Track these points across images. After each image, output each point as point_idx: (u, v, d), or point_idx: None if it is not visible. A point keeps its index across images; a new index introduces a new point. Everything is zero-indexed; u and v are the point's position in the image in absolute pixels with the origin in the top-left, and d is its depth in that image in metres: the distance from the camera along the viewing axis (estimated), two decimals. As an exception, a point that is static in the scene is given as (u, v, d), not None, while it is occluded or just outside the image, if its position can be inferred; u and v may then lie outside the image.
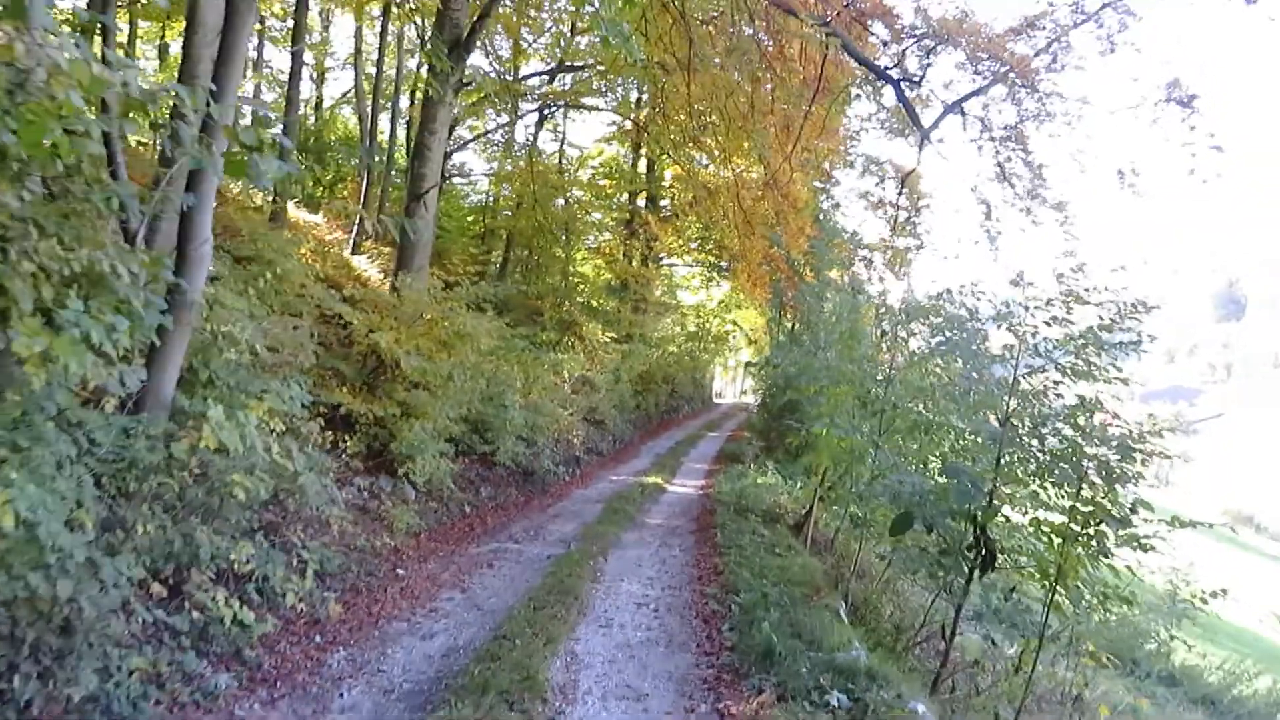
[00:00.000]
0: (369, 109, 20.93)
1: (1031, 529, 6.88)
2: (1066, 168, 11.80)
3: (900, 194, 12.79)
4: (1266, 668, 15.46)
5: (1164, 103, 10.80)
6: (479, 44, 16.03)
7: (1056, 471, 6.72)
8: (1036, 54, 11.13)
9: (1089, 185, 13.49)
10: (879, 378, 9.65)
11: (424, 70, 18.21)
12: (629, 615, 7.26)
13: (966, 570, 6.73)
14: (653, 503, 13.68)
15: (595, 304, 26.55)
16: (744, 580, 7.91)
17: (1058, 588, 6.59)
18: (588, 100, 22.85)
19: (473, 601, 7.43)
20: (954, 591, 6.95)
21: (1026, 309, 7.20)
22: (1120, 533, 6.38)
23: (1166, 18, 11.11)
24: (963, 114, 12.11)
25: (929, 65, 11.78)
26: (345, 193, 23.65)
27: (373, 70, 21.91)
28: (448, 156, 21.04)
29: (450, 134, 20.86)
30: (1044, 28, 11.10)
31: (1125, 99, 11.03)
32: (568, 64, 21.60)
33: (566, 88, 22.20)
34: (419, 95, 20.61)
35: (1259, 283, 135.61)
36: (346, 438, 10.25)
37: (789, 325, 24.63)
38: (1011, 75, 11.14)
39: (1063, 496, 6.86)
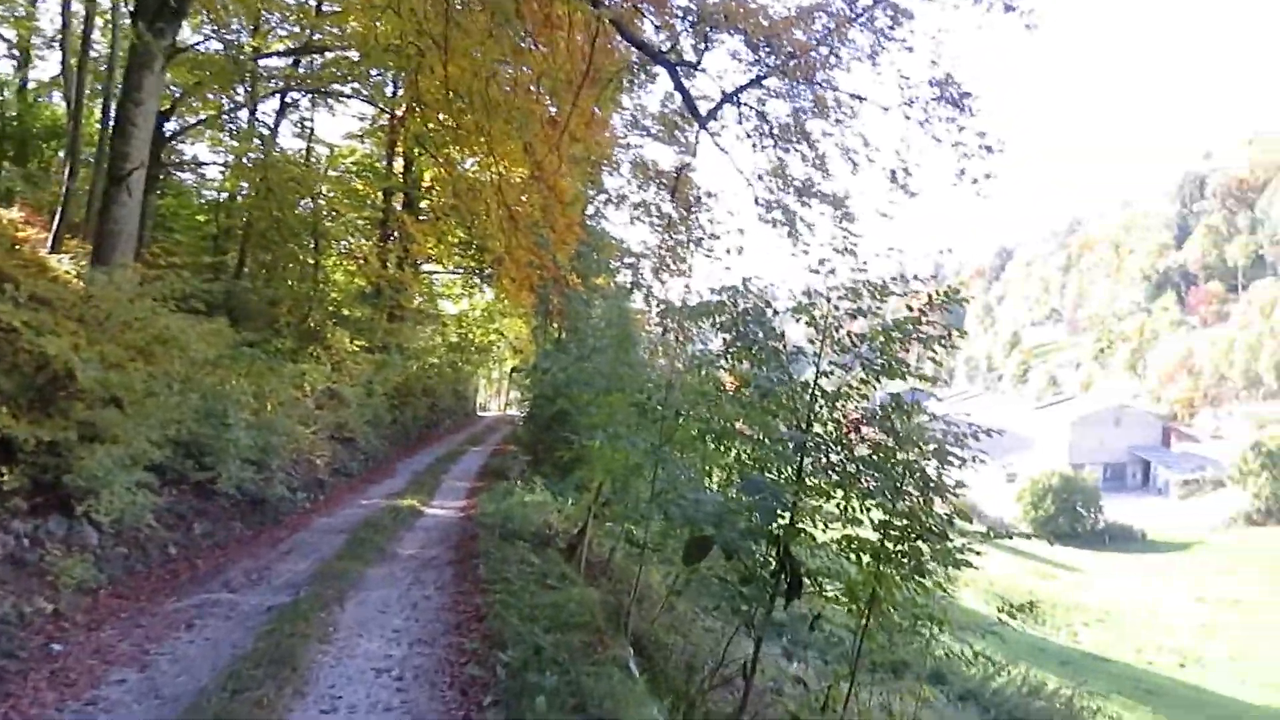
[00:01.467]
0: (74, 90, 17.85)
1: (840, 548, 6.13)
2: (843, 164, 11.74)
3: (675, 189, 12.21)
4: (1017, 656, 15.97)
5: (936, 102, 10.79)
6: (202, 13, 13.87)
7: (866, 481, 6.02)
8: (815, 45, 10.82)
9: (872, 183, 13.44)
10: (658, 383, 8.70)
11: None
12: (363, 691, 5.68)
13: (769, 599, 5.85)
14: (407, 529, 12.07)
15: (346, 311, 24.47)
16: (511, 627, 6.59)
17: (870, 612, 5.86)
18: (338, 88, 20.93)
19: (152, 685, 5.62)
20: (755, 624, 6.03)
21: (829, 299, 6.47)
22: (936, 547, 5.75)
23: (939, 21, 11.02)
24: (738, 105, 11.65)
25: (705, 50, 11.20)
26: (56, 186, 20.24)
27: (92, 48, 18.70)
28: (168, 141, 18.39)
29: (171, 115, 18.24)
30: (820, 19, 10.84)
31: (898, 97, 10.99)
32: (315, 46, 19.55)
33: (315, 70, 20.16)
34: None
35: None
36: (3, 470, 8.03)
37: (556, 333, 23.75)
38: (791, 64, 10.76)
39: (869, 510, 6.20)
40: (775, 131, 11.87)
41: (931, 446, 5.74)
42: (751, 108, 11.91)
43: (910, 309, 6.11)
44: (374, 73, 20.93)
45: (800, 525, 6.06)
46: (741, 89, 11.50)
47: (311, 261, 23.55)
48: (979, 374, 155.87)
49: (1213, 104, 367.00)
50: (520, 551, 9.83)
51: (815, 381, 6.34)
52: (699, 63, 11.43)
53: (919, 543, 5.69)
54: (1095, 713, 14.05)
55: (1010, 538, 5.75)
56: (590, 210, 23.27)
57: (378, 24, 14.66)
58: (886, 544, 5.77)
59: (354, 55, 19.42)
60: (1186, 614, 42.47)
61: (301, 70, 20.76)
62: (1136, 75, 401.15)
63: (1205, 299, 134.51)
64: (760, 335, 7.02)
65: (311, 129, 24.12)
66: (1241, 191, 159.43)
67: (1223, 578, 50.07)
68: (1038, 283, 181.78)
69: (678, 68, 11.30)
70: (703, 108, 13.00)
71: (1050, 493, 58.56)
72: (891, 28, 11.40)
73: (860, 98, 11.27)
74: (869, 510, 6.17)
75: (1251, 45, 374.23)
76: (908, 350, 6.26)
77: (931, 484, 5.70)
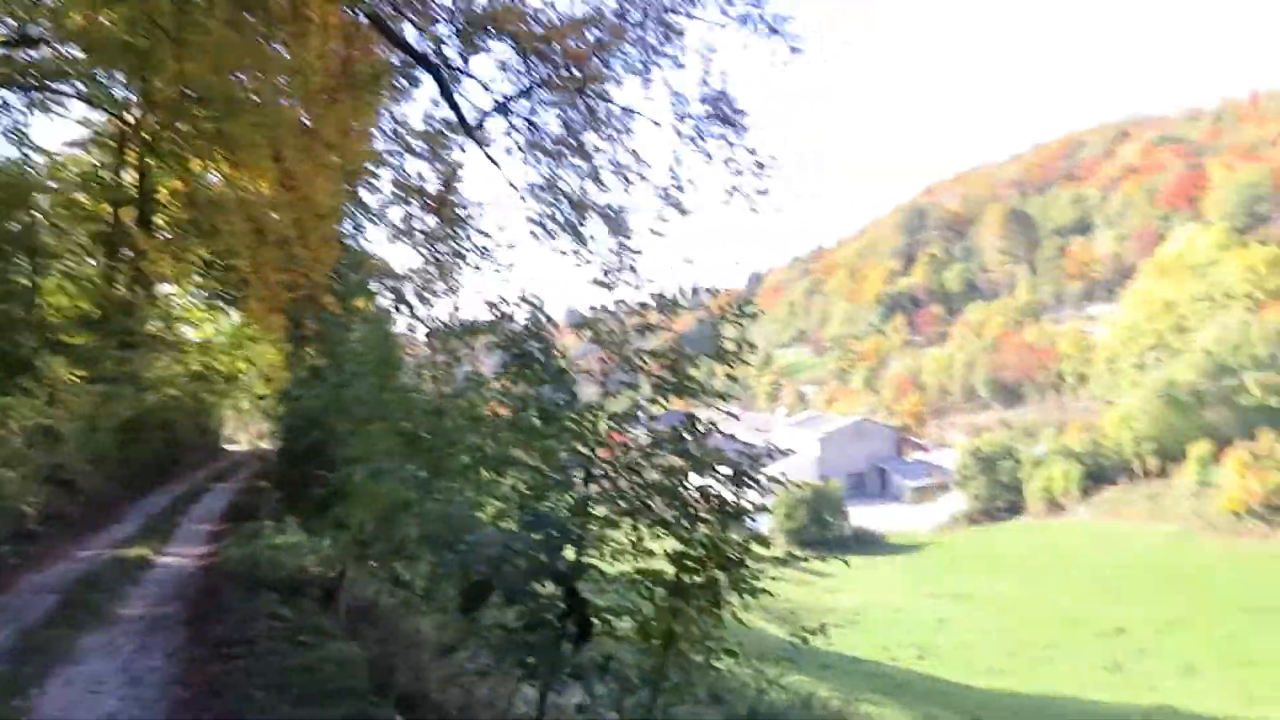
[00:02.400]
0: None
1: (631, 582, 5.62)
2: (616, 180, 11.47)
3: (441, 203, 11.42)
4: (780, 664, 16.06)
5: (708, 119, 10.73)
6: None
7: (657, 509, 5.56)
8: (587, 56, 10.45)
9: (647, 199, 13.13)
10: (426, 410, 7.91)
11: None
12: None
13: (560, 646, 5.24)
14: (135, 584, 10.36)
15: (66, 338, 21.48)
16: (255, 703, 5.57)
17: (666, 651, 5.40)
18: (58, 88, 18.38)
19: None
20: (543, 673, 5.39)
21: (615, 315, 6.00)
22: (734, 576, 5.38)
23: (709, 40, 10.96)
24: (508, 115, 11.11)
25: (472, 56, 10.58)
26: None
27: None
28: None
29: None
30: (592, 31, 10.50)
31: (671, 114, 10.85)
32: (29, 39, 17.02)
33: (29, 66, 17.55)
34: None
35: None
36: None
37: (312, 359, 22.01)
38: (563, 74, 10.33)
39: (658, 537, 5.76)
40: (547, 144, 11.45)
41: (727, 470, 5.37)
42: (523, 118, 11.44)
43: (701, 323, 5.75)
44: (100, 72, 18.62)
45: (588, 560, 5.51)
46: (511, 98, 10.99)
47: (28, 283, 20.60)
48: (736, 393, 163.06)
49: (932, 142, 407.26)
50: (269, 604, 8.62)
51: (601, 402, 5.83)
52: (466, 68, 10.80)
53: (717, 572, 5.29)
54: (864, 717, 14.55)
55: (806, 561, 5.50)
56: (348, 228, 21.88)
57: (102, 16, 12.89)
58: (682, 576, 5.33)
59: (77, 51, 17.15)
60: (922, 610, 45.88)
61: (13, 66, 18.10)
62: (871, 110, 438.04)
63: (929, 320, 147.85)
64: (539, 354, 6.42)
65: (25, 134, 21.17)
66: (956, 224, 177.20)
67: (950, 574, 54.65)
68: (786, 307, 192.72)
69: (443, 73, 10.60)
70: (472, 118, 12.33)
71: (802, 504, 61.72)
72: (662, 44, 11.28)
73: (633, 112, 11.07)
74: (660, 539, 5.73)
75: (966, 88, 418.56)
76: (698, 367, 5.89)
77: (729, 509, 5.33)
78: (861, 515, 69.57)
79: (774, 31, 11.39)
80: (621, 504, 5.70)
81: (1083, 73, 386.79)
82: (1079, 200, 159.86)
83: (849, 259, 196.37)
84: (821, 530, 62.77)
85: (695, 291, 6.44)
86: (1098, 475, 65.90)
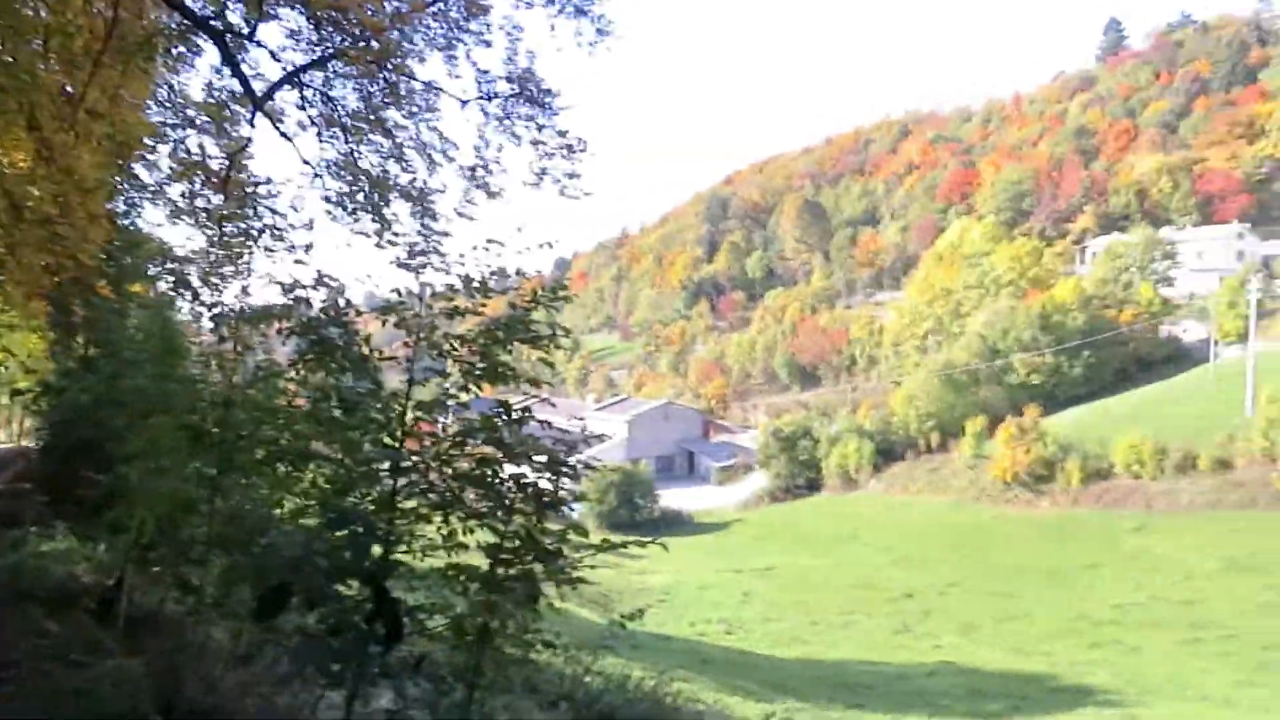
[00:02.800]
0: None
1: (444, 578, 5.37)
2: (420, 159, 10.93)
3: (227, 179, 10.53)
4: (594, 647, 16.11)
5: (515, 99, 10.47)
6: None
7: (472, 501, 5.34)
8: (386, 27, 9.92)
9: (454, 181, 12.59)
10: (214, 401, 7.31)
11: None
12: None
13: (367, 649, 4.93)
14: None
15: None
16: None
17: (481, 648, 5.19)
18: None
19: None
20: (350, 680, 5.06)
21: (421, 298, 5.70)
22: (551, 567, 5.24)
23: (516, 18, 10.66)
24: (301, 87, 10.40)
25: (259, 22, 9.79)
26: None
27: None
28: None
29: None
30: (391, 3, 10.01)
31: (476, 91, 10.51)
32: None
33: None
34: None
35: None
36: None
37: (82, 349, 19.95)
38: (361, 46, 9.76)
39: (471, 530, 5.54)
40: (344, 119, 10.83)
41: (543, 458, 5.20)
42: (317, 91, 10.76)
43: (514, 307, 5.55)
44: None
45: (396, 557, 5.23)
46: (303, 68, 10.29)
47: None
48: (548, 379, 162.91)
49: (736, 133, 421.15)
50: (35, 618, 7.74)
51: (409, 391, 5.53)
52: (253, 34, 10.01)
53: (534, 565, 5.13)
54: (677, 694, 14.80)
55: (625, 547, 5.42)
56: (122, 206, 20.04)
57: None
58: (497, 569, 5.13)
59: None
60: (729, 586, 47.48)
61: None
62: (674, 99, 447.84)
63: (732, 306, 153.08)
64: (339, 340, 6.02)
65: None
66: (755, 213, 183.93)
67: (754, 550, 56.85)
68: (594, 293, 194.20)
69: (227, 39, 9.80)
70: (260, 90, 11.49)
71: (612, 487, 62.46)
72: (466, 19, 10.91)
73: (437, 89, 10.65)
74: (474, 532, 5.51)
75: (769, 79, 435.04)
76: (510, 352, 5.69)
77: (546, 498, 5.17)
78: (670, 496, 71.20)
79: (581, 13, 11.26)
80: (432, 497, 5.43)
81: (868, 68, 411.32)
82: (867, 193, 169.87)
83: (654, 245, 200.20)
84: (632, 513, 63.84)
85: (505, 275, 6.21)
86: (887, 451, 70.27)
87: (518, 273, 5.74)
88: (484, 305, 5.56)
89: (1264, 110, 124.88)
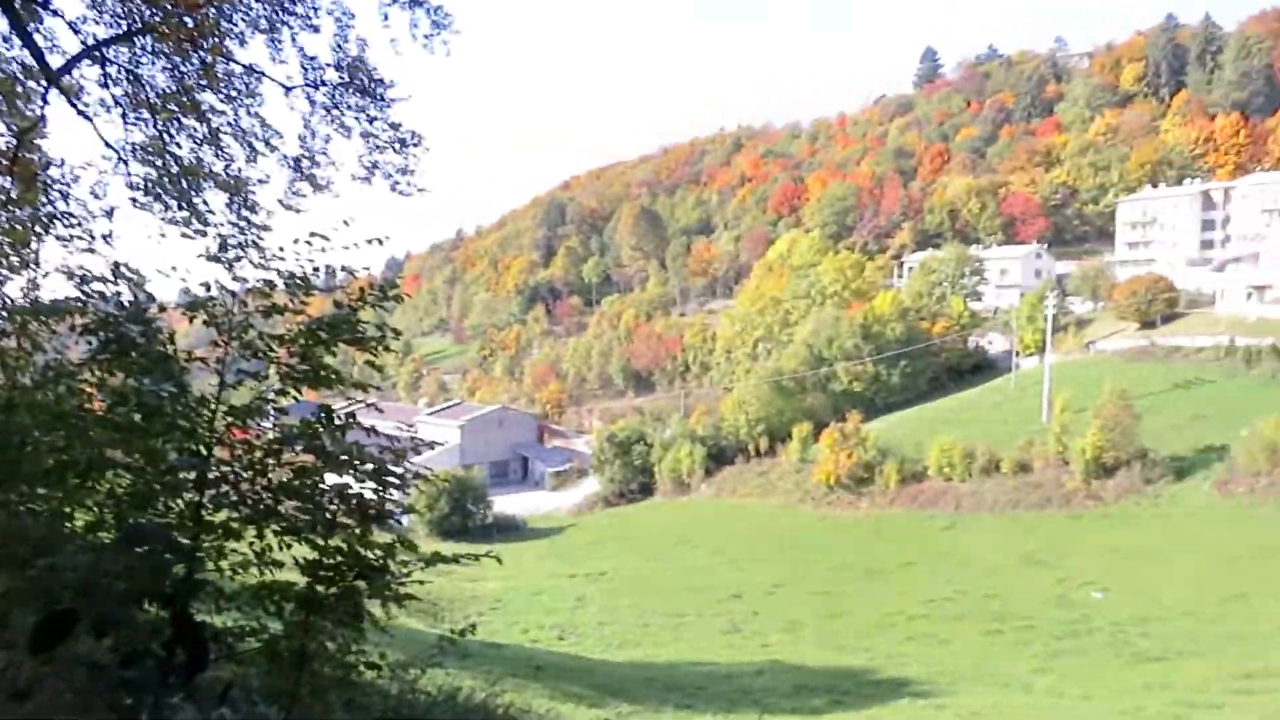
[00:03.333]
0: None
1: (256, 598, 4.95)
2: (240, 147, 10.08)
3: (15, 160, 9.38)
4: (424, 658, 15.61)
5: (344, 88, 9.94)
6: None
7: (289, 514, 4.94)
8: (202, 3, 9.19)
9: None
10: (-9, 404, 6.55)
11: None
12: None
13: (166, 678, 4.47)
14: None
15: None
16: None
17: (299, 673, 4.82)
18: None
19: None
20: (139, 712, 4.58)
21: (235, 295, 5.26)
22: (377, 584, 4.92)
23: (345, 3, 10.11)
24: (104, 64, 9.49)
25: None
26: None
27: None
28: None
29: None
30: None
31: (301, 78, 9.91)
32: None
33: None
34: None
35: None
36: None
37: None
38: (174, 22, 9.00)
39: (288, 546, 5.14)
40: (153, 100, 9.98)
41: (368, 467, 4.88)
42: (122, 68, 9.86)
43: (340, 306, 5.18)
44: None
45: (202, 576, 4.77)
46: (106, 42, 9.40)
47: None
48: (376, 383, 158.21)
49: (574, 138, 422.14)
50: None
51: (219, 394, 5.08)
52: (48, 2, 9.06)
53: (357, 581, 4.80)
54: (509, 705, 14.50)
55: (457, 561, 5.16)
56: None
57: None
58: (317, 588, 4.77)
59: None
60: (562, 591, 47.34)
61: None
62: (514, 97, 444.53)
63: (568, 311, 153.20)
64: (140, 338, 5.48)
65: None
66: (593, 219, 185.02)
67: (588, 554, 56.95)
68: (427, 294, 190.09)
69: (17, 3, 8.82)
70: (56, 65, 10.47)
71: (443, 493, 61.16)
72: (292, 1, 10.29)
73: (259, 72, 9.96)
74: (290, 548, 5.12)
75: (609, 86, 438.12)
76: (335, 354, 5.33)
77: (371, 510, 4.84)
78: (504, 502, 70.46)
79: (416, 4, 10.85)
80: (244, 510, 5.00)
81: (703, 80, 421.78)
82: (702, 203, 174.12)
83: (490, 248, 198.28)
84: (464, 520, 62.74)
85: (331, 272, 5.82)
86: (719, 456, 71.94)
87: (344, 270, 5.38)
88: (306, 304, 5.16)
89: (1059, 140, 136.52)
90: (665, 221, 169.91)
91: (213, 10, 9.32)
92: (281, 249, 5.20)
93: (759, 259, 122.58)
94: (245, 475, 4.93)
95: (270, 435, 5.06)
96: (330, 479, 4.95)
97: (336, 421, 4.84)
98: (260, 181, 10.46)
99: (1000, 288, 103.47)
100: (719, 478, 70.40)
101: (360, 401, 5.33)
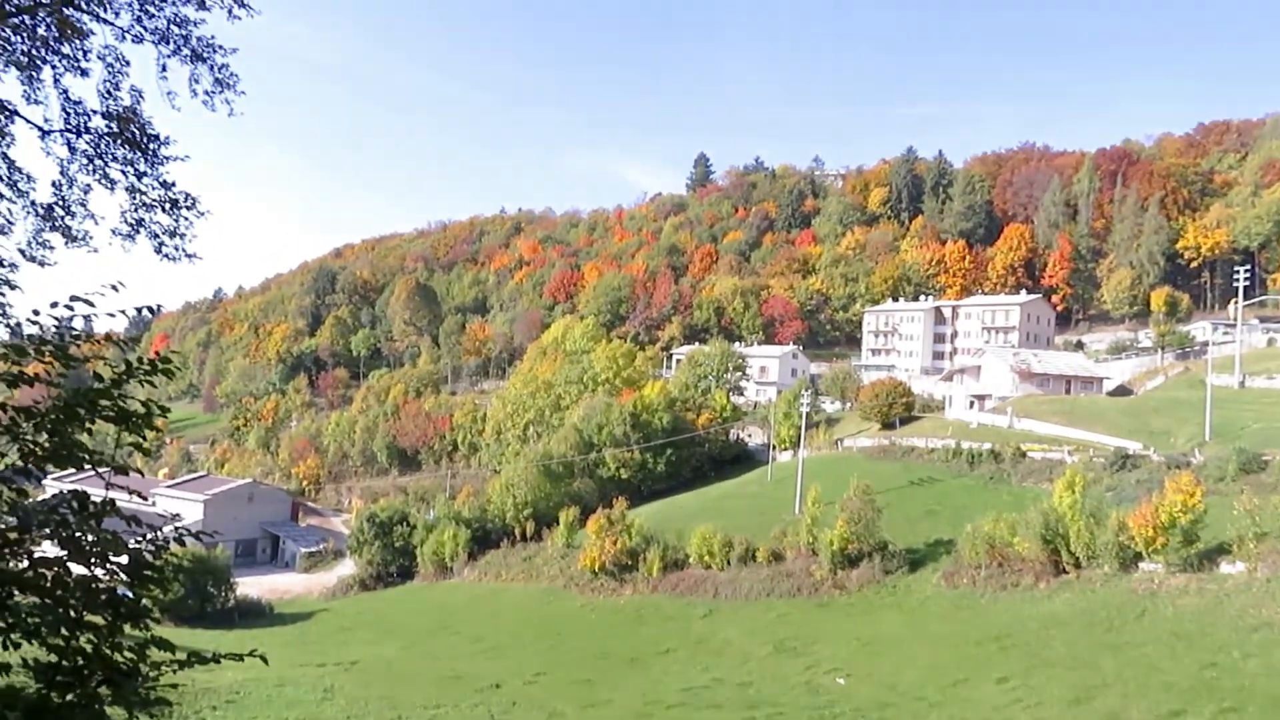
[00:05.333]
0: None
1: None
2: None
3: None
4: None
5: (112, 138, 9.22)
6: None
7: (24, 609, 4.35)
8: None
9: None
10: None
11: None
12: None
13: None
14: None
15: None
16: None
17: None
18: None
19: None
20: None
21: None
22: (125, 689, 4.40)
23: (120, 49, 9.47)
24: None
25: None
26: None
27: None
28: None
29: None
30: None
31: (62, 123, 9.09)
32: None
33: None
34: None
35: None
36: None
37: None
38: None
39: (16, 646, 4.52)
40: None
41: (123, 559, 4.40)
42: None
43: (101, 377, 4.72)
44: None
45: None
46: None
47: None
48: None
49: (347, 208, 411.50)
50: None
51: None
52: None
53: (101, 688, 4.27)
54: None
55: (218, 661, 4.72)
56: None
57: None
58: (52, 695, 4.21)
59: None
60: (309, 682, 44.15)
61: None
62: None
63: (332, 384, 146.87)
64: None
65: None
66: (365, 290, 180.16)
67: (339, 642, 53.70)
68: (177, 357, 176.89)
69: None
70: None
71: (180, 573, 56.01)
72: (58, 40, 9.53)
73: (11, 110, 9.05)
74: (18, 648, 4.50)
75: (389, 154, 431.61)
76: (90, 430, 4.83)
77: (124, 608, 4.35)
78: (250, 584, 65.45)
79: (199, 59, 10.37)
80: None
81: (481, 162, 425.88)
82: (478, 282, 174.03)
83: (252, 312, 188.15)
84: (203, 602, 57.66)
85: (83, 335, 5.32)
86: (483, 539, 70.43)
87: (82, 333, 4.89)
88: (64, 375, 4.68)
89: (815, 251, 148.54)
90: (441, 298, 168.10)
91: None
92: (37, 312, 4.69)
93: (533, 342, 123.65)
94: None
95: (7, 521, 4.45)
96: (75, 568, 4.42)
97: (91, 508, 4.34)
98: (1, 231, 9.42)
99: (760, 384, 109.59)
100: (483, 561, 68.81)
101: (120, 486, 4.83)
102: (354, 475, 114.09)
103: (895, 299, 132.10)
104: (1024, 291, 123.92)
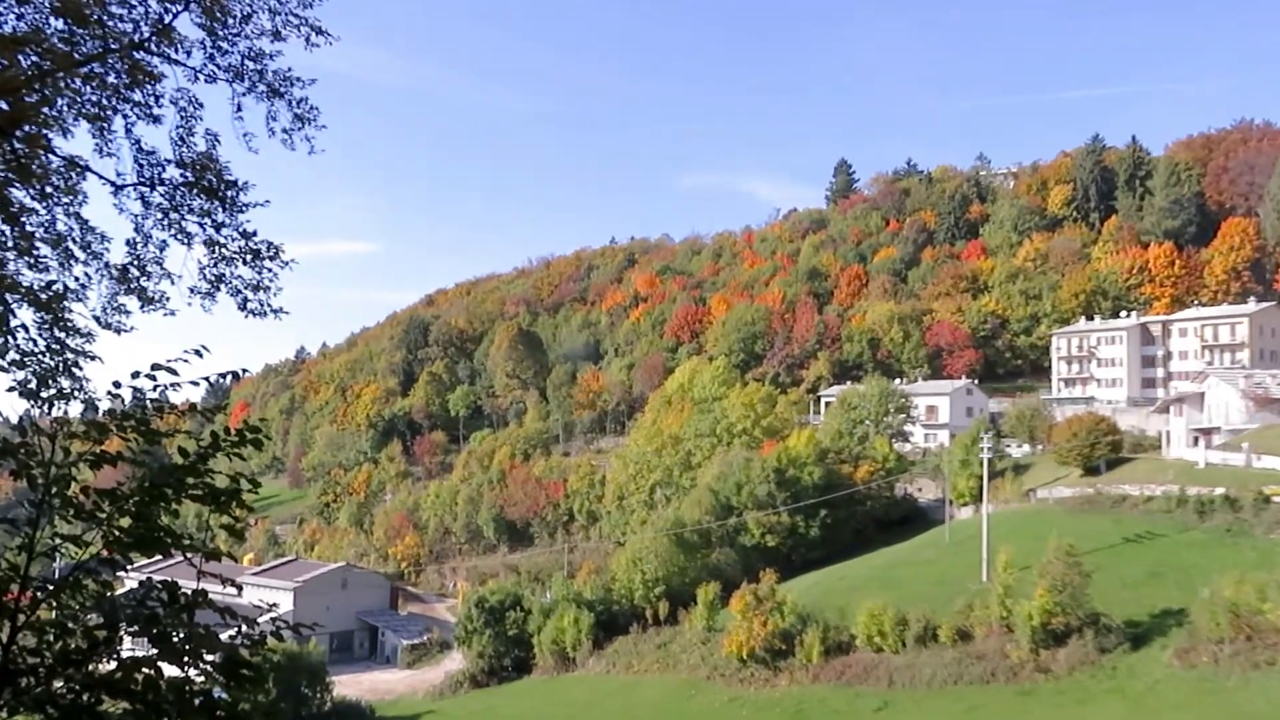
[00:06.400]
0: None
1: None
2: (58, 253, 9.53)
3: None
4: None
5: (187, 189, 9.78)
6: None
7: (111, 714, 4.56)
8: (26, 88, 8.97)
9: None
10: None
11: None
12: None
13: None
14: None
15: None
16: None
17: None
18: None
19: None
20: None
21: (53, 437, 4.96)
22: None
23: (193, 91, 10.10)
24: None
25: None
26: None
27: None
28: None
29: None
30: (31, 55, 9.10)
31: (135, 175, 9.73)
32: None
33: None
34: None
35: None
36: None
37: None
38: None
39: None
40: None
41: (218, 657, 4.56)
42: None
43: (186, 452, 4.93)
44: None
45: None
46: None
47: None
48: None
49: (437, 248, 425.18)
50: None
51: (26, 567, 4.73)
52: None
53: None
54: None
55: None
56: None
57: None
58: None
59: None
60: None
61: None
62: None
63: (429, 449, 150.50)
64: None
65: None
66: (461, 341, 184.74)
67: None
68: (265, 426, 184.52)
69: None
70: None
71: (274, 672, 57.93)
72: (129, 87, 10.18)
73: (84, 166, 9.72)
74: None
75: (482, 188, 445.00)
76: (177, 512, 5.05)
77: (221, 711, 4.50)
78: (347, 683, 67.24)
79: (276, 94, 10.90)
80: (52, 712, 4.58)
81: (587, 190, 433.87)
82: (589, 324, 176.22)
83: (338, 373, 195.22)
84: (298, 705, 59.37)
85: (166, 407, 5.56)
86: (609, 624, 70.55)
87: (166, 407, 5.13)
88: (149, 452, 4.90)
89: (986, 265, 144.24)
90: (547, 345, 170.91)
91: (37, 94, 9.13)
92: (118, 384, 4.96)
93: (655, 390, 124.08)
94: (58, 670, 4.54)
95: (92, 618, 4.68)
96: (168, 670, 4.60)
97: (181, 600, 4.53)
98: (76, 296, 10.05)
99: (928, 427, 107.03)
100: (610, 650, 68.91)
101: (211, 574, 5.02)
102: (458, 554, 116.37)
103: (1089, 317, 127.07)
104: (1253, 299, 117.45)
